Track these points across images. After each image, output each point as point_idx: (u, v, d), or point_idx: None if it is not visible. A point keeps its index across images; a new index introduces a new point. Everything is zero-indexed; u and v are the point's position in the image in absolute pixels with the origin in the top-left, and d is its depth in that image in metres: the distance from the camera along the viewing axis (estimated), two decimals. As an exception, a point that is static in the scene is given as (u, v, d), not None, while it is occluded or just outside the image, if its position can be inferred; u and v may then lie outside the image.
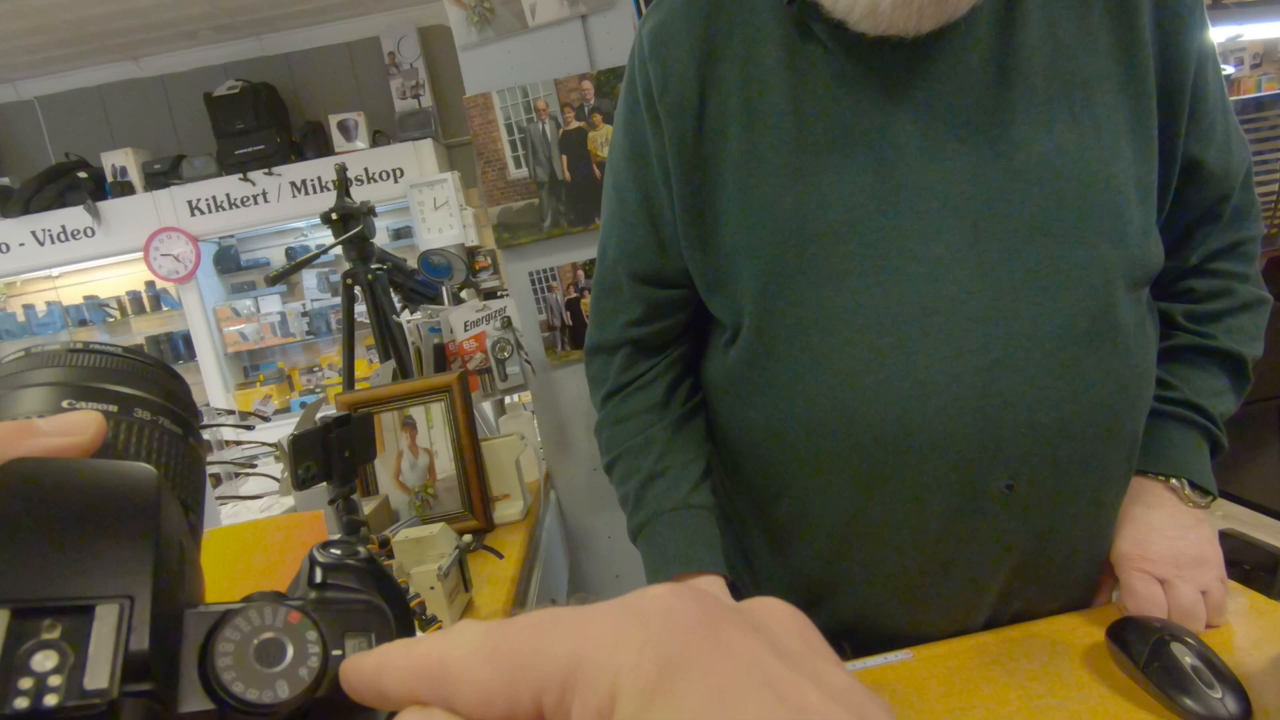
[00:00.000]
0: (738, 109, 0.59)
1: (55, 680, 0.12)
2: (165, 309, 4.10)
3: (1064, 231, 0.54)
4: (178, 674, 0.14)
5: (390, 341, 1.54)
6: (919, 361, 0.55)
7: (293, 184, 3.83)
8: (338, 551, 0.18)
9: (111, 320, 4.09)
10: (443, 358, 1.47)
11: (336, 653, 0.16)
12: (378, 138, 3.93)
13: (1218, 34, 1.75)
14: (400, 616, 0.18)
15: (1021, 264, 0.54)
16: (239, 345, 4.02)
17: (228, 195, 3.83)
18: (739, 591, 0.77)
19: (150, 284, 4.05)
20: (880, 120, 0.56)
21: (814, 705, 0.14)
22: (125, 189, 3.88)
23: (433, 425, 1.20)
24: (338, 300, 3.99)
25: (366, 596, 0.17)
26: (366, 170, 3.79)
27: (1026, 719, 0.53)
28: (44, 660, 0.12)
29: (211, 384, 3.92)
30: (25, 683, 0.12)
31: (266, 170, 3.80)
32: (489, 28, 1.45)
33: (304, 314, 4.08)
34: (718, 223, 0.61)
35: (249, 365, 4.24)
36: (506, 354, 1.43)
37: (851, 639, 0.68)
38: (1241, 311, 0.66)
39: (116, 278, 4.14)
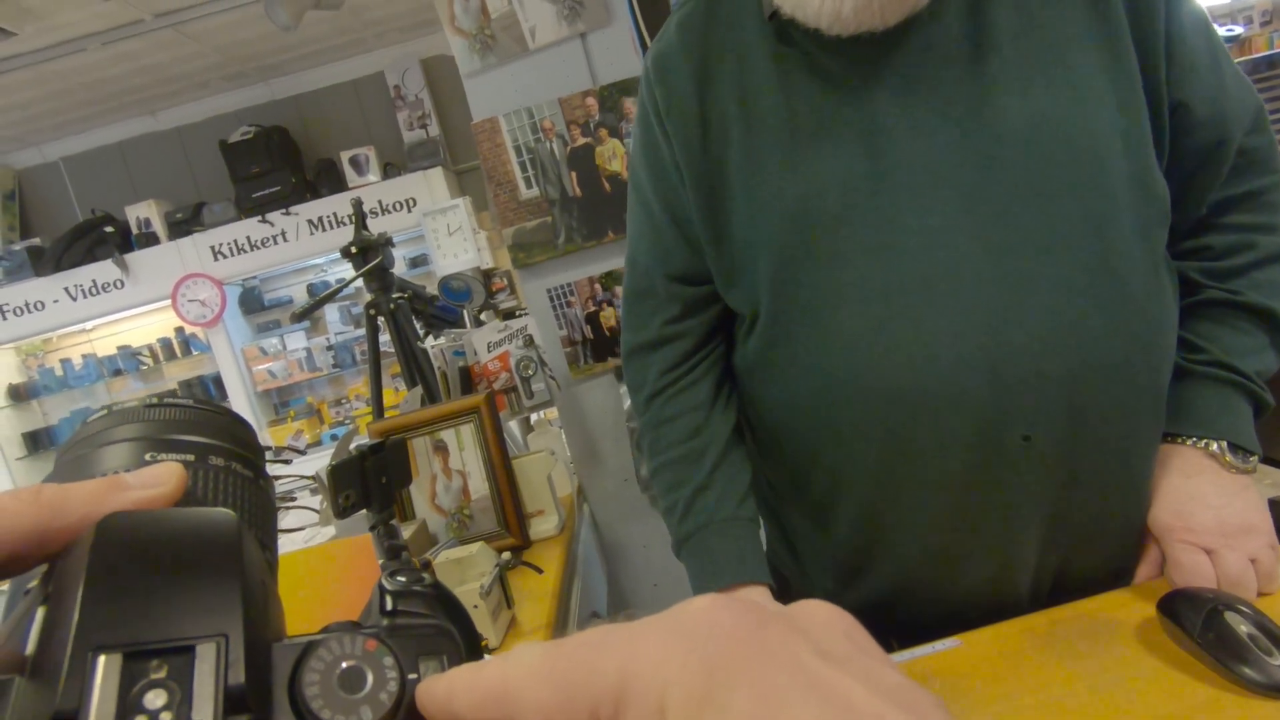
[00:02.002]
0: (736, 116, 0.64)
1: (166, 716, 0.13)
2: (195, 353, 4.20)
3: (1052, 189, 0.57)
4: (270, 704, 0.15)
5: (416, 367, 1.56)
6: (925, 326, 0.58)
7: (310, 222, 3.91)
8: (404, 579, 0.19)
9: (144, 368, 4.19)
10: (468, 380, 1.49)
11: (412, 676, 0.16)
12: (389, 170, 4.01)
13: (1222, -5, 1.73)
14: (467, 637, 0.19)
15: (1015, 225, 0.57)
16: (268, 383, 4.10)
17: (248, 238, 3.93)
18: (786, 581, 0.77)
19: (179, 330, 4.15)
20: (866, 108, 0.59)
21: (861, 705, 0.14)
22: (150, 240, 4.00)
23: (464, 447, 1.22)
24: (361, 332, 4.06)
25: (435, 621, 0.18)
26: (380, 202, 3.86)
27: (1081, 699, 0.53)
28: (155, 699, 0.13)
29: (244, 423, 4.00)
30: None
31: (284, 210, 3.89)
32: (491, 54, 1.48)
33: (329, 348, 4.15)
34: (728, 220, 0.66)
35: (279, 402, 4.32)
36: (531, 371, 1.45)
37: (896, 617, 0.68)
38: (1269, 263, 0.63)
39: (147, 326, 4.26)
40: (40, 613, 0.15)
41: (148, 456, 0.20)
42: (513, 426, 1.66)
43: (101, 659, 0.13)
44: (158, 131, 4.25)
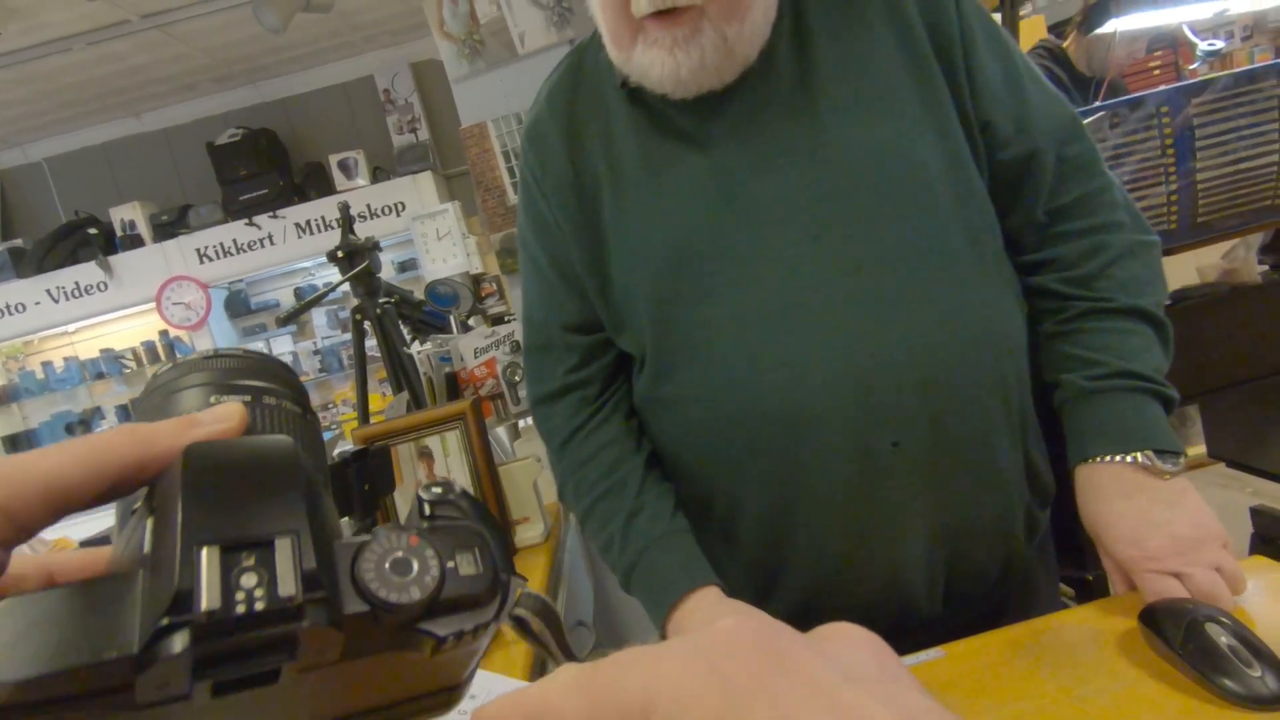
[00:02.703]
0: (605, 174, 0.70)
1: (259, 592, 0.16)
2: (180, 356, 4.14)
3: (888, 211, 0.63)
4: (337, 586, 0.18)
5: (402, 373, 1.55)
6: (792, 348, 0.63)
7: (297, 225, 3.89)
8: (438, 490, 0.23)
9: (128, 371, 4.14)
10: (455, 386, 1.48)
11: (450, 564, 0.20)
12: (378, 174, 4.00)
13: (1204, 9, 1.75)
14: (495, 536, 0.22)
15: (858, 246, 0.63)
16: (254, 387, 4.07)
17: (234, 241, 3.90)
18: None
19: (164, 333, 4.11)
20: (716, 155, 0.66)
21: None
22: (135, 242, 3.96)
23: (449, 454, 1.21)
24: (348, 336, 4.03)
25: (468, 523, 0.21)
26: (369, 206, 3.85)
27: (1064, 709, 0.53)
28: (248, 580, 0.17)
29: (229, 427, 3.96)
30: (239, 595, 0.16)
31: (271, 214, 3.87)
32: (480, 59, 1.48)
33: (315, 352, 4.12)
34: (607, 270, 0.71)
35: (264, 406, 4.28)
36: (518, 378, 1.44)
37: (811, 627, 0.69)
38: (1126, 259, 0.66)
39: (130, 329, 4.21)
40: (150, 522, 0.18)
41: (212, 399, 0.24)
42: (500, 433, 1.65)
43: (205, 550, 0.16)
44: (143, 133, 4.22)
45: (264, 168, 3.88)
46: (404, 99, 4.11)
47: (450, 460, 1.21)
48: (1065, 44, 2.09)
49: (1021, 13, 1.75)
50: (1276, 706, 0.48)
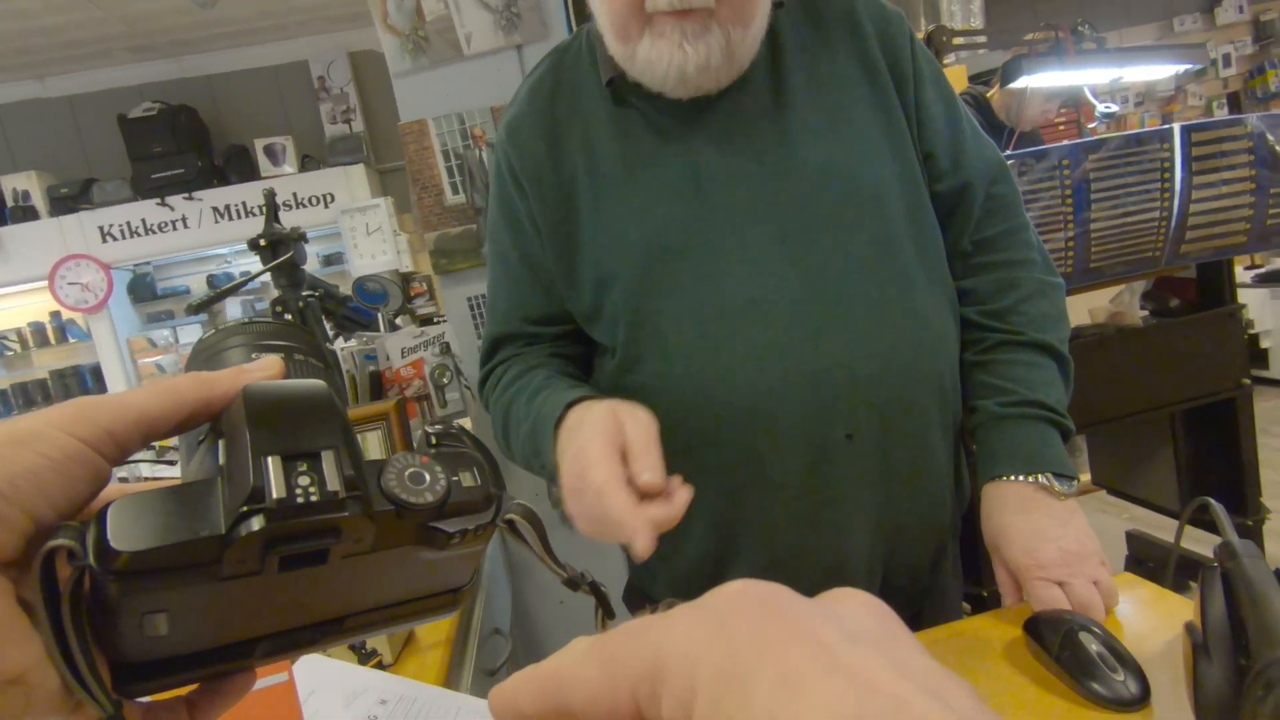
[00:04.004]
0: (584, 171, 0.72)
1: (312, 489, 0.21)
2: (73, 341, 3.86)
3: (845, 222, 0.68)
4: (368, 489, 0.22)
5: (323, 370, 1.50)
6: (754, 342, 0.66)
7: (215, 209, 3.69)
8: (439, 428, 0.31)
9: (10, 354, 3.81)
10: (379, 385, 1.44)
11: (454, 479, 0.24)
12: (307, 162, 3.84)
13: (1102, 75, 1.92)
14: (489, 460, 0.26)
15: (819, 251, 0.67)
16: (156, 378, 3.81)
17: (143, 221, 3.66)
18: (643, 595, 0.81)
19: (55, 314, 3.81)
20: (692, 157, 0.70)
21: (885, 685, 0.14)
22: (27, 214, 3.66)
23: (370, 455, 1.18)
24: (264, 329, 3.83)
25: (465, 450, 0.26)
26: (295, 195, 3.70)
27: (954, 713, 0.56)
28: (303, 480, 0.21)
29: (124, 419, 3.69)
30: (298, 490, 0.21)
31: (186, 195, 3.65)
32: (424, 55, 1.45)
33: (227, 344, 3.90)
34: (581, 263, 0.73)
35: (166, 399, 4.02)
36: (446, 379, 1.42)
37: None
38: (1036, 298, 0.73)
39: (16, 308, 3.88)
40: (221, 444, 0.23)
41: (254, 355, 0.29)
42: (423, 436, 1.61)
43: (269, 459, 0.21)
44: (45, 98, 3.91)
45: (181, 146, 3.66)
46: (339, 88, 3.98)
47: (370, 461, 1.17)
48: (990, 94, 2.25)
49: (945, 62, 1.87)
50: (1136, 708, 0.53)
